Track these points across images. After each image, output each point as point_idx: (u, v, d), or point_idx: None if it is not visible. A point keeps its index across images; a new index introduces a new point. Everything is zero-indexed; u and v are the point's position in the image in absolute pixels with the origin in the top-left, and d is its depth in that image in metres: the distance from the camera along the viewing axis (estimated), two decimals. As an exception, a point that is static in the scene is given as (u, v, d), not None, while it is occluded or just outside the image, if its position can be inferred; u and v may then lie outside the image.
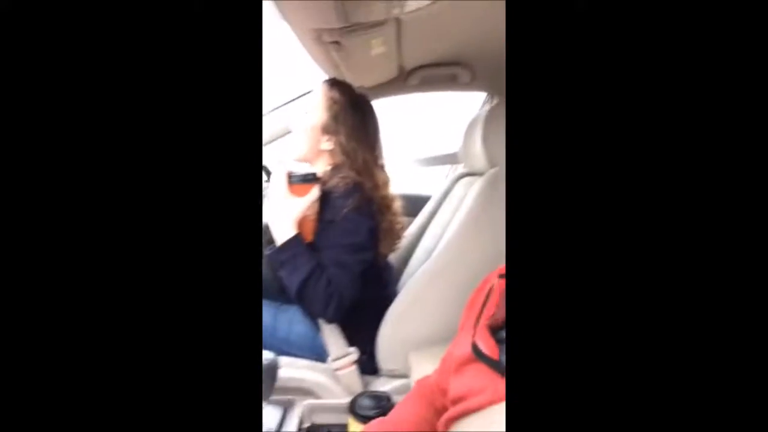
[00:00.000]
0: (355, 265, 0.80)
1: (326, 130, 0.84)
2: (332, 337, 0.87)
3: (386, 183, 0.87)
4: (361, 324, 0.89)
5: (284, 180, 0.80)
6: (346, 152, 0.83)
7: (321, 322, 0.87)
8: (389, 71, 1.09)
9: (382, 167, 0.88)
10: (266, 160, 1.23)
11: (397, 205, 0.89)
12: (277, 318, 0.90)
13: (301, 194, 0.80)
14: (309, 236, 0.82)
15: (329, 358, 0.87)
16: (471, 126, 0.97)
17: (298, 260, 0.78)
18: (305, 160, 0.90)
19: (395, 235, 0.91)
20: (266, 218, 0.82)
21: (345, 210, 0.78)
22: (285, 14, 0.67)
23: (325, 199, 0.82)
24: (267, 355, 0.71)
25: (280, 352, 0.84)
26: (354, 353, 0.88)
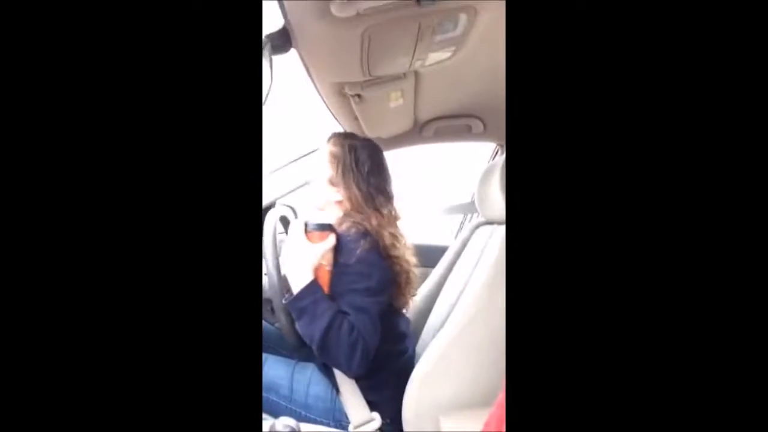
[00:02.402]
0: (374, 307, 0.76)
1: (332, 182, 0.87)
2: (352, 400, 0.80)
3: (390, 219, 0.86)
4: (381, 385, 0.82)
5: (301, 228, 0.79)
6: (350, 199, 0.86)
7: (340, 382, 0.80)
8: (405, 123, 1.11)
9: (386, 203, 0.87)
10: (290, 208, 1.23)
11: (405, 244, 0.86)
12: (295, 378, 0.84)
13: (316, 241, 0.79)
14: (325, 287, 0.79)
15: (350, 426, 0.79)
16: (487, 174, 0.96)
17: (318, 307, 0.74)
18: (321, 209, 0.92)
19: (408, 282, 0.87)
20: (284, 268, 0.80)
21: (357, 251, 0.76)
22: (310, 67, 0.69)
23: (338, 245, 0.80)
24: (288, 422, 0.64)
25: (299, 417, 0.76)
26: (377, 419, 0.80)
